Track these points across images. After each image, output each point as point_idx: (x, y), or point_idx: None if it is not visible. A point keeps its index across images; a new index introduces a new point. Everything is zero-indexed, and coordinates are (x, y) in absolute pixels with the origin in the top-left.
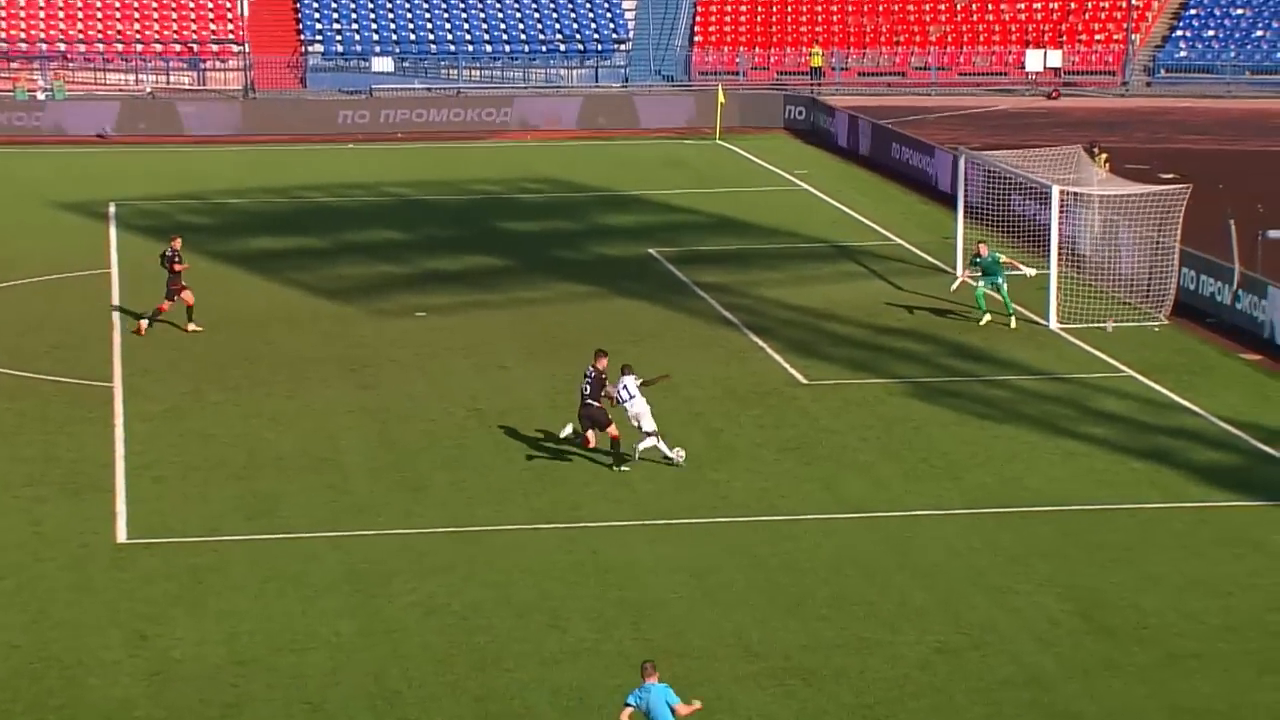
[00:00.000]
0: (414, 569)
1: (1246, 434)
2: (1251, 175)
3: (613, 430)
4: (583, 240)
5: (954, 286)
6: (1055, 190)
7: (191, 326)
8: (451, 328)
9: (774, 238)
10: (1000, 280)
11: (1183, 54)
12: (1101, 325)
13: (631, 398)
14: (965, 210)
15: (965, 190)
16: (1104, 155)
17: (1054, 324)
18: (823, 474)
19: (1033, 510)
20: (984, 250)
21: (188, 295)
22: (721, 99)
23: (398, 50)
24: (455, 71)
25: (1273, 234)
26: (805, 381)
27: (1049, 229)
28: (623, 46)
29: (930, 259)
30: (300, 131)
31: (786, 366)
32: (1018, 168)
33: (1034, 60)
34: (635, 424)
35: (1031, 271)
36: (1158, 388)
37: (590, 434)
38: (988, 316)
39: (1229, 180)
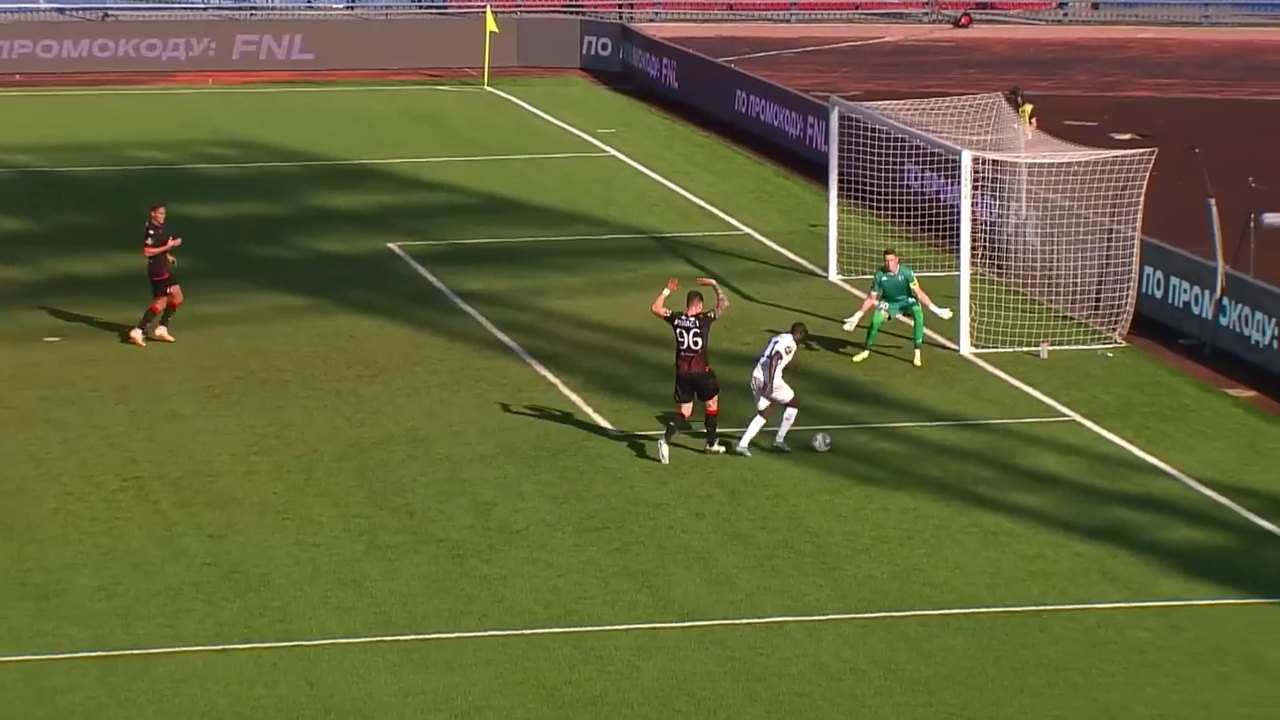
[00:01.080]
0: (42, 714)
1: (1236, 503)
2: (1239, 134)
3: (713, 405)
4: (292, 230)
5: (851, 323)
6: (966, 157)
7: (161, 331)
8: (97, 359)
9: (569, 226)
10: (913, 302)
11: None
12: (1033, 350)
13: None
14: (841, 186)
15: (840, 157)
16: (1029, 107)
17: (966, 348)
18: (641, 565)
19: (938, 614)
20: (894, 264)
21: (175, 291)
22: (492, 27)
23: None
24: None
25: (1271, 219)
26: (615, 432)
27: (958, 211)
28: None
29: (792, 255)
30: None
31: (589, 411)
32: (914, 125)
33: None
34: (757, 391)
35: (946, 313)
36: (1112, 438)
37: (688, 406)
38: (865, 353)
39: (1208, 142)
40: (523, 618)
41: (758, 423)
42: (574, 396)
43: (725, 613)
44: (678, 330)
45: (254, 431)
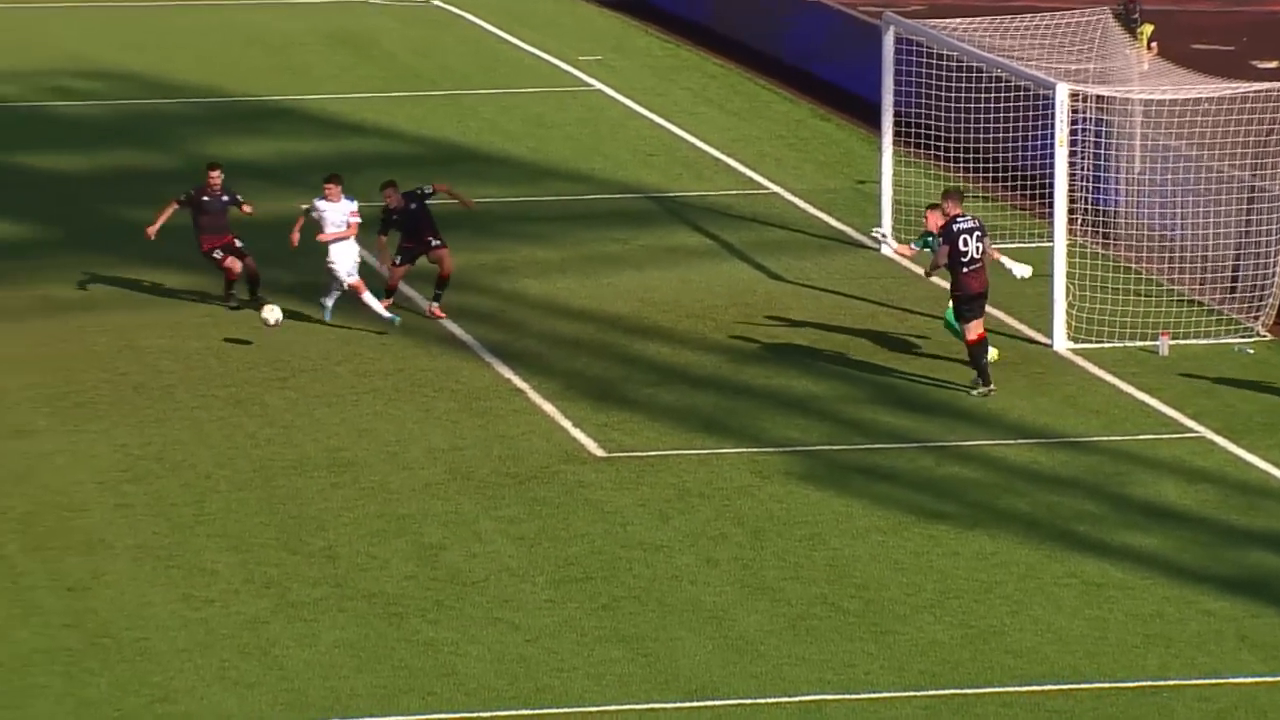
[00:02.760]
0: None
1: None
2: None
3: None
4: (176, 188)
5: (885, 240)
6: (1062, 91)
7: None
8: None
9: (541, 183)
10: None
11: None
12: (1151, 346)
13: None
14: (897, 131)
15: (897, 93)
16: (1149, 28)
17: (1062, 343)
18: (636, 626)
19: (1024, 691)
20: (937, 218)
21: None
22: None
23: None
24: None
25: None
26: (601, 453)
27: (1051, 165)
28: None
29: (833, 221)
30: None
31: (567, 426)
32: (993, 50)
33: None
34: None
35: (1025, 271)
36: (1254, 460)
37: (977, 324)
38: (995, 351)
39: None
40: (480, 695)
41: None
42: (548, 406)
43: (745, 689)
44: (960, 235)
45: (127, 453)
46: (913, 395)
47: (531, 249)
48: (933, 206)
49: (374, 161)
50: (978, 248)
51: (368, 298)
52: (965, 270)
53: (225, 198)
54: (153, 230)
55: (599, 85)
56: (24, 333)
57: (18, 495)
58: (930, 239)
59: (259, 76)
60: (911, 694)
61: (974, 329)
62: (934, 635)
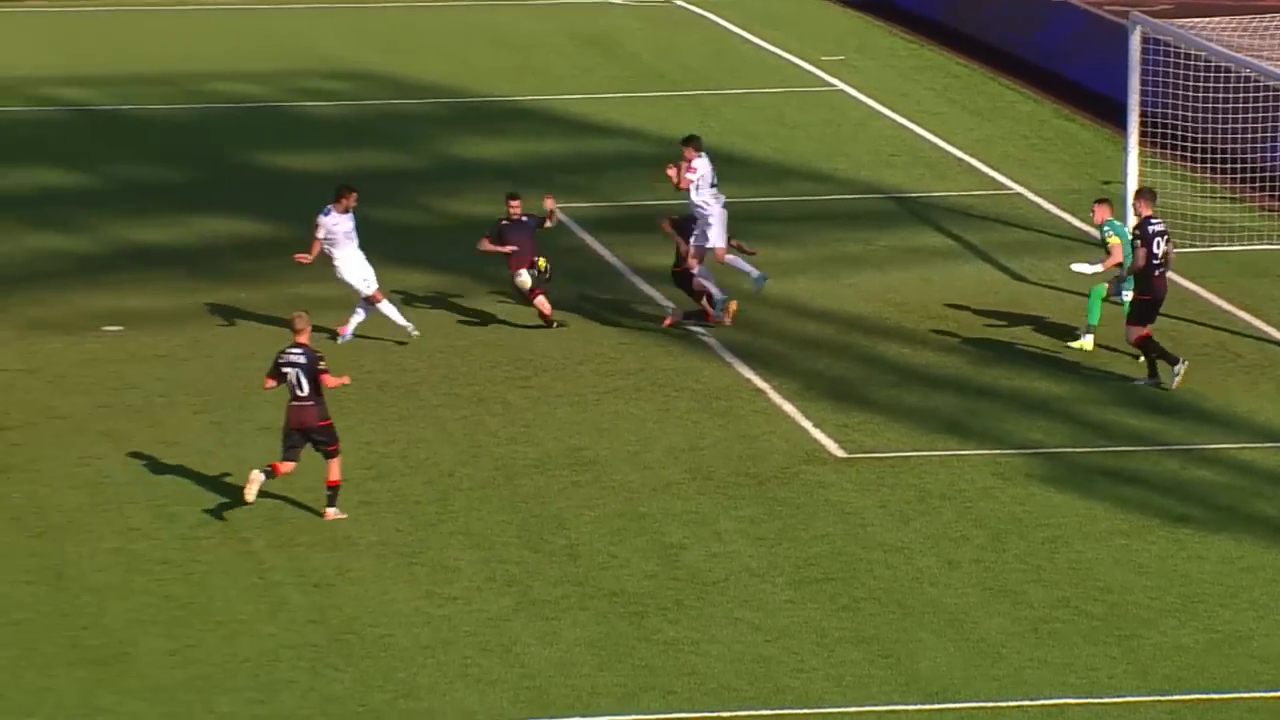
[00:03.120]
0: None
1: None
2: None
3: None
4: (421, 187)
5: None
6: None
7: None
8: (169, 355)
9: (782, 183)
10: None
11: None
12: None
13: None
14: (1143, 131)
15: (1144, 93)
16: None
17: None
18: (876, 628)
19: (1274, 697)
20: (1103, 213)
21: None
22: None
23: None
24: None
25: None
26: (841, 454)
27: None
28: None
29: (1077, 222)
30: None
31: (807, 426)
32: (1243, 50)
33: None
34: None
35: (1095, 268)
36: None
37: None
38: (1089, 339)
39: None
40: (720, 695)
41: None
42: (788, 407)
43: (987, 692)
44: (1153, 238)
45: (371, 450)
46: (1156, 397)
47: (773, 249)
48: (1100, 201)
49: (615, 162)
50: (1165, 251)
51: (702, 282)
52: (1156, 273)
53: (526, 219)
54: (483, 249)
55: (841, 85)
56: (271, 332)
57: (265, 491)
58: (1102, 230)
59: (503, 77)
60: (1155, 699)
61: (1140, 330)
62: (1178, 640)
